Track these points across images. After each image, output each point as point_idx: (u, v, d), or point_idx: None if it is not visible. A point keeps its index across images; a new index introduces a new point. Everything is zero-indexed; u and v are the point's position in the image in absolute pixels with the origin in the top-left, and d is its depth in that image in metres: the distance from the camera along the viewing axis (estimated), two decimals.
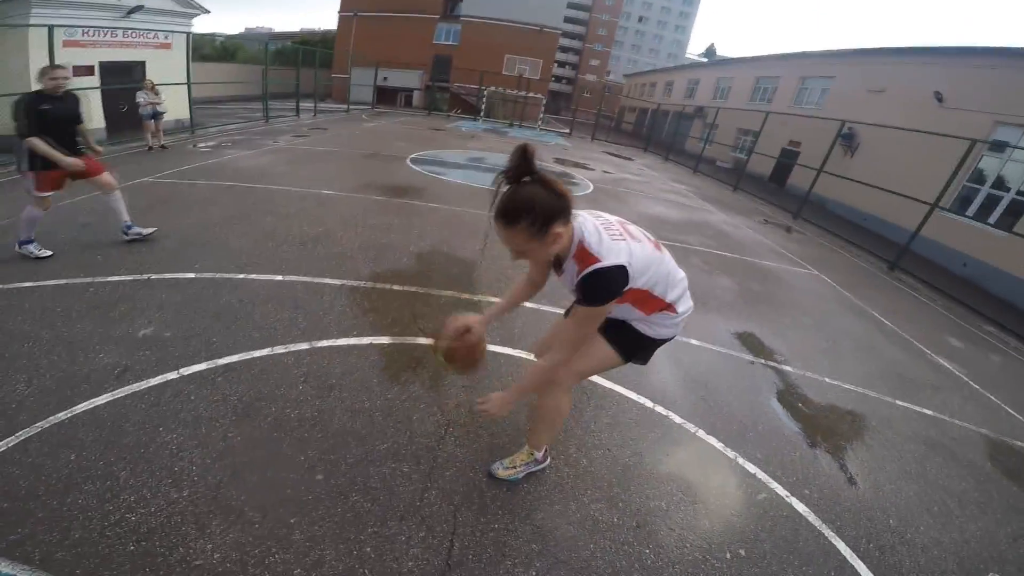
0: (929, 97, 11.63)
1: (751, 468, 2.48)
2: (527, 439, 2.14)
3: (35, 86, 3.42)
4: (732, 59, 25.48)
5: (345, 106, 19.27)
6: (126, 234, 3.89)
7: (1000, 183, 10.10)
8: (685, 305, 1.78)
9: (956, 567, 2.16)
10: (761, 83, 20.12)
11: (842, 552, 2.09)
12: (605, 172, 11.91)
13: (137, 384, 2.28)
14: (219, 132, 10.57)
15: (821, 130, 11.34)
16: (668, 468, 2.37)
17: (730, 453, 2.56)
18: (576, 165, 11.97)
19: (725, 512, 2.17)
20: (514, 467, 2.09)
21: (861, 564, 2.05)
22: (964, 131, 8.46)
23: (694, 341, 3.74)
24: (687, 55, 64.21)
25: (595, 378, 2.88)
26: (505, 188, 1.38)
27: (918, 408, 3.52)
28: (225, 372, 2.44)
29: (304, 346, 2.70)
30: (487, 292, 3.82)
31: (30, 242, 3.52)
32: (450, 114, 22.80)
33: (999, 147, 9.80)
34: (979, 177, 10.47)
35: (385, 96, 25.66)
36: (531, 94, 22.93)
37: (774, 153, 15.76)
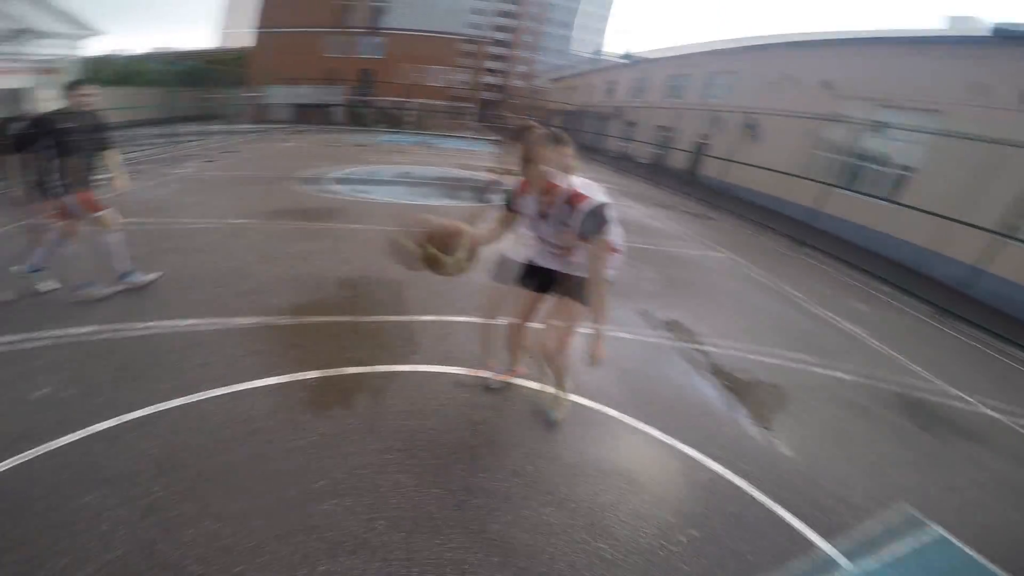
0: (818, 85, 12.75)
1: (690, 451, 2.60)
2: (556, 388, 2.64)
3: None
4: (646, 58, 26.66)
5: (261, 126, 18.43)
6: (123, 280, 3.63)
7: (885, 160, 11.25)
8: (621, 247, 2.33)
9: (897, 521, 2.33)
10: (673, 80, 21.24)
11: (788, 520, 2.23)
12: None
13: (40, 448, 2.07)
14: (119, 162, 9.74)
15: (728, 122, 12.16)
16: (612, 463, 2.43)
17: (668, 439, 2.67)
18: (507, 172, 12.08)
19: (672, 497, 2.26)
20: (561, 405, 2.65)
21: (809, 529, 2.19)
22: (850, 114, 9.35)
23: (623, 334, 3.87)
24: (606, 56, 66.69)
25: (534, 385, 2.94)
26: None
27: (833, 373, 3.83)
28: (138, 426, 2.27)
29: (222, 391, 2.56)
30: (420, 312, 3.73)
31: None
32: (376, 129, 22.34)
33: (880, 127, 10.91)
34: (866, 155, 11.61)
35: (306, 113, 24.68)
36: (460, 103, 22.96)
37: (688, 147, 16.68)
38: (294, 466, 2.12)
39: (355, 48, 28.41)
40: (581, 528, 2.00)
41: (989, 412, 3.67)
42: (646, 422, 2.80)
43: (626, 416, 2.82)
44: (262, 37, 27.99)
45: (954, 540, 2.27)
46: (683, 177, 16.49)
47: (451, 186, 9.45)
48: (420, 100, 22.37)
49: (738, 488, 2.38)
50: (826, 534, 2.17)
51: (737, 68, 16.77)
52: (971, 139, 7.82)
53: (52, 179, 3.17)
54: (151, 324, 3.22)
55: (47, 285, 3.47)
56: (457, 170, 11.61)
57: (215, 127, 14.81)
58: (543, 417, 2.66)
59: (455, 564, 1.77)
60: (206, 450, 2.17)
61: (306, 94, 24.02)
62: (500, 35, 58.49)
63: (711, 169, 15.14)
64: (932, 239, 8.54)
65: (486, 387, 2.89)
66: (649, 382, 3.23)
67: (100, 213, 3.39)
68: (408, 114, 21.20)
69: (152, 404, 2.43)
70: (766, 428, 2.94)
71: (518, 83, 61.08)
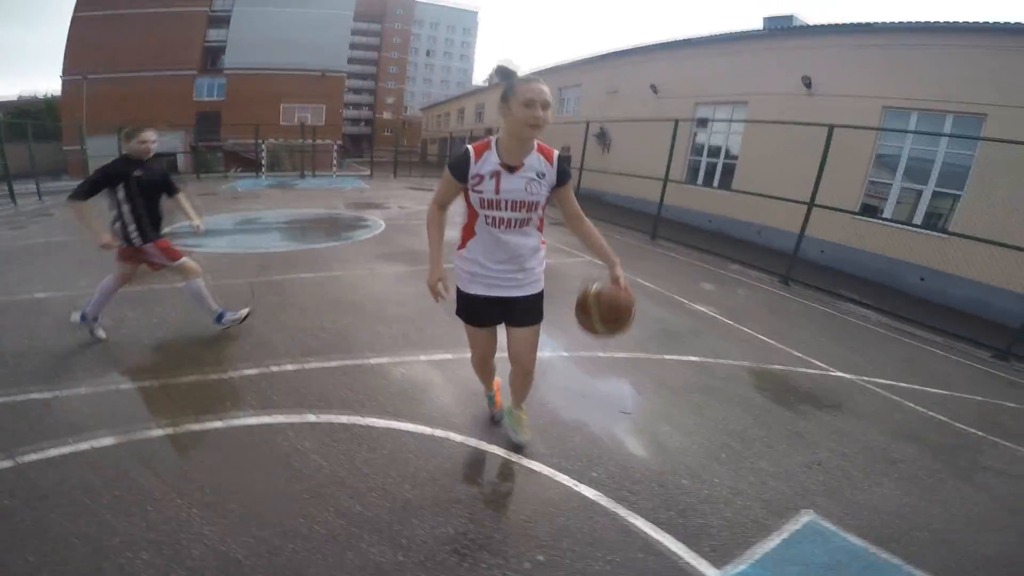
0: (648, 90, 13.97)
1: (535, 466, 2.42)
2: (515, 402, 2.50)
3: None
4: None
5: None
6: (220, 323, 3.78)
7: (715, 152, 12.55)
8: None
9: (765, 511, 2.19)
10: None
11: (642, 529, 2.05)
12: (401, 207, 11.74)
13: None
14: None
15: (580, 134, 12.83)
16: (452, 491, 2.23)
17: (513, 457, 2.49)
18: (372, 207, 11.59)
19: (516, 520, 2.08)
20: (522, 424, 2.50)
21: (665, 535, 2.02)
22: (674, 115, 10.24)
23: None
24: (474, 82, 68.67)
25: (371, 420, 2.76)
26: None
27: (685, 357, 3.88)
28: None
29: (6, 464, 2.31)
30: (242, 364, 3.36)
31: (95, 320, 3.64)
32: (228, 174, 20.40)
33: (703, 123, 12.18)
34: (699, 150, 12.89)
35: None
36: (320, 140, 21.85)
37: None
38: (87, 526, 1.96)
39: (193, 91, 26.19)
40: (414, 565, 1.84)
41: (841, 374, 3.84)
42: (490, 442, 2.59)
43: (470, 439, 2.61)
44: (76, 84, 24.64)
45: (828, 524, 2.16)
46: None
47: (303, 227, 8.75)
48: (273, 140, 20.90)
49: (587, 499, 2.20)
50: (684, 537, 2.01)
51: (580, 81, 17.98)
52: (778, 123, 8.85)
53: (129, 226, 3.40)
54: None
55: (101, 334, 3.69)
56: (312, 210, 10.84)
57: (25, 188, 12.46)
58: (510, 439, 2.53)
59: None
60: None
61: None
62: (361, 68, 57.96)
63: (578, 179, 15.90)
64: (765, 216, 9.54)
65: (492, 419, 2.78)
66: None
67: (178, 262, 3.62)
68: (261, 156, 19.66)
69: None
70: (615, 428, 2.80)
71: (387, 115, 60.74)
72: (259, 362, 3.39)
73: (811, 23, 11.11)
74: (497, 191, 1.94)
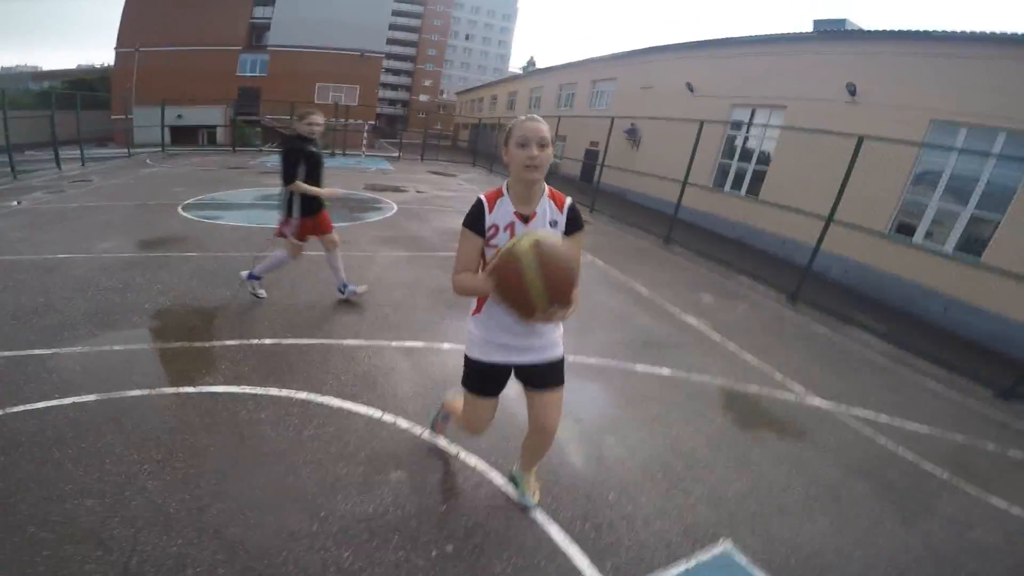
0: (683, 88, 13.57)
1: (472, 461, 2.51)
2: (526, 465, 2.23)
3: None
4: (541, 69, 27.42)
5: (127, 151, 16.69)
6: (342, 293, 4.36)
7: (746, 156, 12.12)
8: None
9: (682, 536, 2.16)
10: (563, 90, 21.95)
11: (554, 537, 2.09)
12: (418, 192, 11.88)
13: None
14: None
15: (611, 129, 12.57)
16: (383, 473, 2.35)
17: (453, 449, 2.58)
18: (390, 189, 11.75)
19: (437, 509, 2.18)
20: (531, 486, 2.26)
21: (574, 547, 2.04)
22: (708, 115, 9.90)
23: (446, 345, 3.78)
24: (510, 69, 67.99)
25: (327, 399, 2.92)
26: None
27: (656, 370, 3.82)
28: None
29: None
30: (228, 336, 3.57)
31: (259, 279, 4.15)
32: (263, 148, 20.97)
33: (737, 126, 11.76)
34: (732, 153, 12.46)
35: (184, 135, 22.74)
36: (352, 121, 22.17)
37: (579, 155, 17.21)
38: (48, 473, 2.14)
39: (236, 66, 26.97)
40: (327, 536, 1.97)
41: (818, 402, 3.68)
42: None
43: (417, 427, 2.73)
44: (128, 56, 25.71)
45: (740, 558, 2.09)
46: (579, 184, 16.95)
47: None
48: None
49: (512, 501, 2.27)
50: (592, 552, 2.03)
51: (615, 74, 17.60)
52: (807, 131, 8.45)
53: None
54: None
55: (262, 293, 4.26)
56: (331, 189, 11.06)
57: (71, 153, 13.25)
58: (520, 503, 2.26)
59: (177, 559, 1.79)
60: None
61: (181, 115, 22.20)
62: (400, 50, 58.33)
63: (603, 175, 15.67)
64: (789, 227, 9.15)
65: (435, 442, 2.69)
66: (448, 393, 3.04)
67: (329, 234, 4.15)
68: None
69: None
70: (559, 433, 2.79)
71: (423, 98, 60.99)
72: (242, 334, 3.61)
73: (861, 28, 10.53)
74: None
